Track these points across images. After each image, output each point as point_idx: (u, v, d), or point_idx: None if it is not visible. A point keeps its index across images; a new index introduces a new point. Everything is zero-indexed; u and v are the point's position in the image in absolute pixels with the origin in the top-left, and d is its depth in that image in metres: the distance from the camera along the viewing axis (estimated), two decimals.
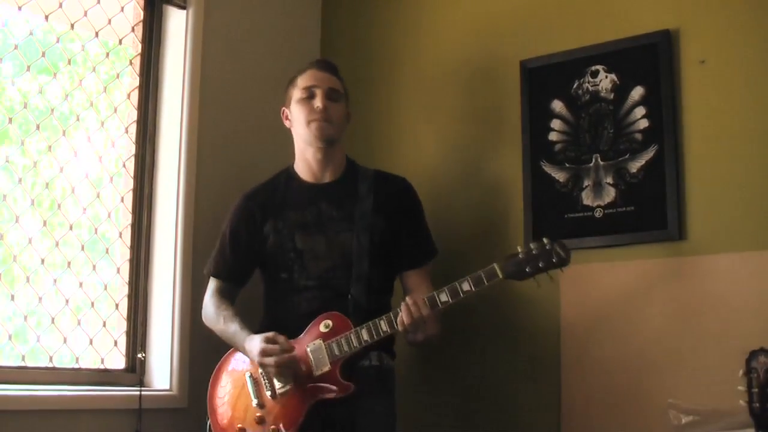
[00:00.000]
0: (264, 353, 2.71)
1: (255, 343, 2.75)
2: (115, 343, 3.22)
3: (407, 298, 2.69)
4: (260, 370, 2.79)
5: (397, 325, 2.68)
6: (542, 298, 3.13)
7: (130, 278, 3.28)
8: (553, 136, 3.25)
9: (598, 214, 3.12)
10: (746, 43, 2.93)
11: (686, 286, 2.92)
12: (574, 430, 3.04)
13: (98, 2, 3.24)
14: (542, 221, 3.23)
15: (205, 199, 3.35)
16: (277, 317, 2.91)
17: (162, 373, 3.21)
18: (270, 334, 2.74)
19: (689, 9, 3.05)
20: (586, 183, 3.16)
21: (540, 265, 2.69)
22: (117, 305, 3.24)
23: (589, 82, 3.20)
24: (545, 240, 2.71)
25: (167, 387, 3.19)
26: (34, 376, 2.92)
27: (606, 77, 3.17)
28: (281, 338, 2.73)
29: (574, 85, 3.23)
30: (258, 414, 2.76)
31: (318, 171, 2.98)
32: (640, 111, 3.09)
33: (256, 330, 2.85)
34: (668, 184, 2.99)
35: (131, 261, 3.29)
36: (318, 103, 2.91)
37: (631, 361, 2.97)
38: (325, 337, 2.76)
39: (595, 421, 2.99)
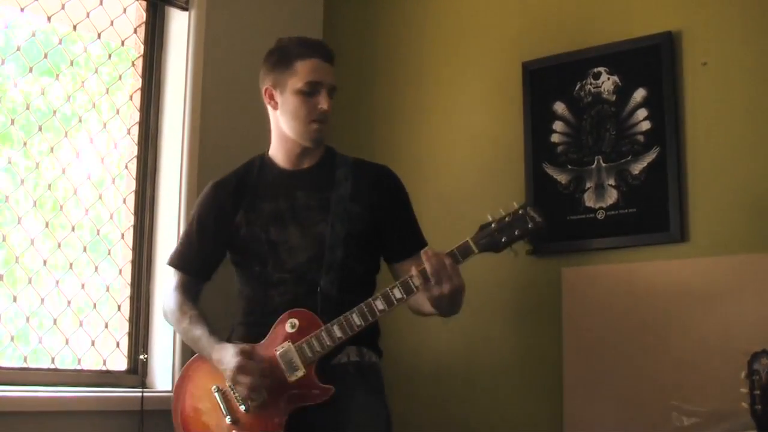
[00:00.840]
0: (241, 370, 2.46)
1: (228, 355, 2.51)
2: (117, 344, 3.22)
3: (423, 250, 2.45)
4: (228, 383, 2.54)
5: (414, 286, 2.44)
6: (544, 299, 3.13)
7: (132, 280, 3.28)
8: (555, 138, 3.25)
9: (600, 215, 3.12)
10: (748, 45, 2.93)
11: (688, 287, 2.92)
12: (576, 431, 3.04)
13: (101, 4, 3.24)
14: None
15: None
16: (252, 314, 2.71)
17: (164, 374, 3.21)
18: (246, 347, 2.52)
19: (691, 11, 3.05)
20: (588, 185, 3.16)
21: (516, 233, 2.46)
22: (119, 307, 3.24)
23: (591, 84, 3.20)
24: (516, 204, 2.50)
25: (169, 388, 3.17)
26: (36, 378, 2.92)
27: (608, 79, 3.17)
28: (258, 356, 2.52)
29: (576, 87, 3.23)
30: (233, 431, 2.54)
31: (297, 159, 2.76)
32: (642, 113, 3.09)
33: (229, 331, 2.72)
34: (670, 186, 2.99)
35: (133, 262, 3.29)
36: (323, 104, 2.67)
37: (634, 363, 2.97)
38: (293, 338, 2.53)
39: (598, 423, 2.99)
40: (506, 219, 2.48)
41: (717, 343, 2.80)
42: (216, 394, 2.57)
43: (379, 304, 2.49)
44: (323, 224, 2.66)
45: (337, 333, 2.50)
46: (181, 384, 2.70)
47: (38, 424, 2.77)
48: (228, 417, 2.54)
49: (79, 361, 3.10)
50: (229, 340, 2.65)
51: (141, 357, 3.22)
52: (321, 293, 2.60)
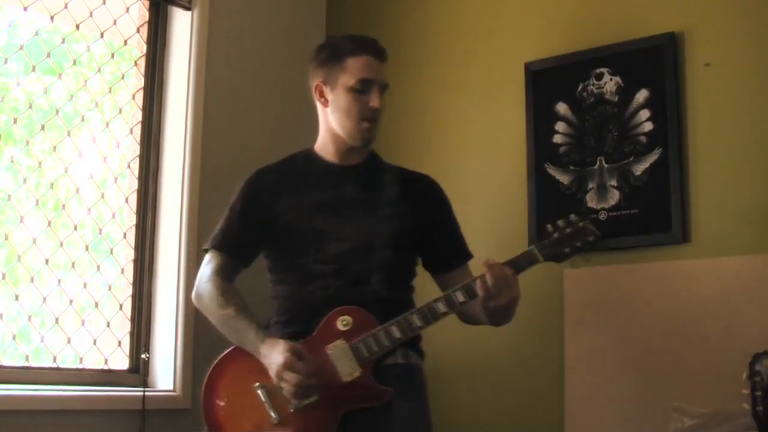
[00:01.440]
0: (286, 367, 2.34)
1: (277, 350, 2.37)
2: (119, 343, 3.22)
3: (485, 261, 2.39)
4: (275, 380, 2.39)
5: (477, 290, 2.38)
6: (546, 300, 3.13)
7: (134, 279, 3.29)
8: (557, 139, 3.26)
9: (602, 216, 3.12)
10: (751, 46, 2.93)
11: (690, 289, 2.92)
12: None
13: (104, 3, 3.25)
14: (546, 223, 3.21)
15: (209, 200, 3.35)
16: (288, 312, 2.58)
17: (165, 373, 3.22)
18: (297, 345, 2.38)
19: (694, 12, 3.05)
20: (590, 185, 3.16)
21: (578, 245, 2.49)
22: (121, 306, 3.24)
23: (593, 85, 3.20)
24: (573, 217, 2.52)
25: (171, 388, 3.19)
26: (38, 376, 2.93)
27: (610, 80, 3.17)
28: (309, 357, 2.37)
29: (579, 88, 3.23)
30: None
31: (344, 156, 2.66)
32: (644, 114, 3.09)
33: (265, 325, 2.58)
34: (672, 187, 2.99)
35: (135, 261, 3.30)
36: (375, 102, 2.57)
37: (635, 364, 2.97)
38: (347, 336, 2.42)
39: (599, 424, 2.99)
40: (567, 230, 2.50)
41: (719, 344, 2.80)
42: (259, 391, 2.42)
43: (441, 307, 2.43)
44: (370, 219, 2.58)
45: (396, 334, 2.42)
46: (213, 379, 2.53)
47: (40, 423, 2.77)
48: (275, 416, 2.39)
49: (81, 360, 3.11)
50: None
51: (143, 356, 3.22)
52: (371, 292, 2.51)
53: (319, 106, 2.71)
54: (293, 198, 2.62)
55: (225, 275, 2.62)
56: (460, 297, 2.43)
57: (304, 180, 2.66)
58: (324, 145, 2.70)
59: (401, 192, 2.65)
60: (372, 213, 2.60)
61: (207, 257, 2.67)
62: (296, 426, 2.39)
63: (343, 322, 2.44)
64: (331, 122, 2.66)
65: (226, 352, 2.55)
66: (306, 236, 2.57)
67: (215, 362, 2.55)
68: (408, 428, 2.47)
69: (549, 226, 2.51)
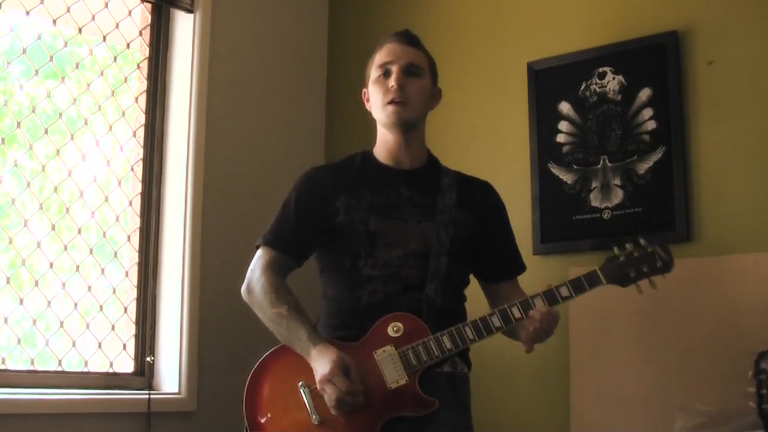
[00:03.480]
0: (331, 377, 2.29)
1: (326, 358, 2.32)
2: (124, 346, 3.22)
3: (532, 312, 2.39)
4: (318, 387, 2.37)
5: (485, 332, 2.41)
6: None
7: (138, 282, 3.29)
8: (560, 138, 3.25)
9: (606, 215, 3.12)
10: (754, 44, 2.93)
11: (694, 287, 2.91)
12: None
13: (106, 6, 3.25)
14: (550, 223, 3.23)
15: (212, 203, 3.35)
16: (337, 316, 2.54)
17: (171, 376, 3.22)
18: (347, 359, 2.32)
19: (697, 10, 3.04)
20: (594, 184, 3.16)
21: (644, 270, 2.47)
22: (125, 309, 3.25)
23: (596, 84, 3.20)
24: (642, 241, 2.49)
25: (176, 390, 3.19)
26: (43, 380, 2.93)
27: (613, 78, 3.17)
28: (355, 372, 2.32)
29: (582, 87, 3.22)
30: None
31: (399, 155, 2.62)
32: (647, 112, 3.08)
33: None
34: (676, 186, 2.98)
35: (139, 264, 3.30)
36: (393, 81, 2.54)
37: (640, 363, 2.97)
38: (396, 342, 2.38)
39: (605, 423, 2.98)
40: (634, 254, 2.48)
41: (724, 342, 2.80)
42: (302, 390, 2.38)
43: (496, 321, 2.42)
44: (428, 224, 2.54)
45: (447, 344, 2.38)
46: (260, 372, 2.47)
47: (45, 426, 2.78)
48: (315, 416, 2.35)
49: (86, 363, 3.11)
50: None
51: (147, 359, 3.22)
52: (424, 300, 2.47)
53: (369, 111, 2.69)
54: (350, 197, 2.57)
55: (278, 271, 2.55)
56: (515, 313, 2.42)
57: (361, 179, 2.61)
58: (378, 147, 2.67)
59: (459, 198, 2.61)
60: (428, 218, 2.56)
61: (259, 253, 2.59)
62: (336, 429, 2.35)
63: (394, 328, 2.41)
64: (377, 121, 2.66)
65: (273, 348, 2.50)
66: (359, 237, 2.52)
67: (262, 358, 2.49)
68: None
69: (615, 248, 2.49)
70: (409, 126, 2.59)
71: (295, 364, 2.41)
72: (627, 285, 2.49)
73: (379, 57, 2.61)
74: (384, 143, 2.65)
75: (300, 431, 2.36)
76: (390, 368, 2.36)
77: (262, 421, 2.42)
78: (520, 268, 2.72)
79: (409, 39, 2.63)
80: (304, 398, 2.37)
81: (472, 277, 2.71)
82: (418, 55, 2.62)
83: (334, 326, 2.53)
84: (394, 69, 2.56)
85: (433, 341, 2.38)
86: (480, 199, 2.67)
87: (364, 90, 2.69)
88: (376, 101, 2.60)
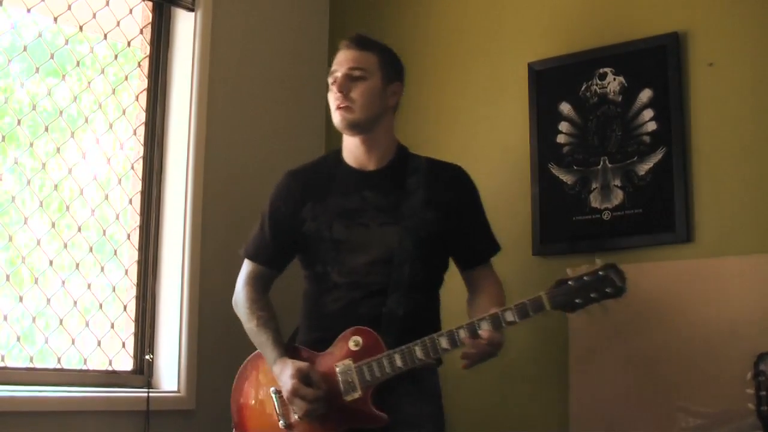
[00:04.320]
0: (295, 393, 2.46)
1: (286, 374, 2.49)
2: (123, 344, 3.22)
3: (463, 353, 2.44)
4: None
5: (432, 354, 2.46)
6: None
7: (138, 280, 3.29)
8: (561, 139, 3.25)
9: (606, 216, 3.12)
10: (755, 46, 2.93)
11: (694, 288, 2.91)
12: None
13: (107, 4, 3.25)
14: (550, 224, 3.23)
15: (213, 201, 3.35)
16: (311, 317, 2.69)
17: (170, 374, 3.22)
18: (303, 367, 2.49)
19: (698, 11, 3.05)
20: (594, 185, 3.16)
21: (592, 295, 2.40)
22: (125, 307, 3.25)
23: (597, 85, 3.20)
24: (598, 262, 2.44)
25: (175, 389, 3.19)
26: (42, 378, 2.93)
27: (614, 79, 3.17)
28: (314, 375, 2.48)
29: (582, 88, 3.22)
30: None
31: (361, 157, 2.70)
32: (648, 113, 3.08)
33: (295, 328, 2.73)
34: (676, 187, 2.98)
35: (139, 263, 3.30)
36: (335, 89, 2.65)
37: (639, 364, 2.97)
38: (355, 357, 2.49)
39: (604, 424, 2.99)
40: (585, 278, 2.42)
41: (723, 343, 2.80)
42: (273, 396, 2.58)
43: (443, 342, 2.46)
44: (391, 227, 2.61)
45: (398, 363, 2.46)
46: (244, 374, 2.71)
47: (44, 424, 2.77)
48: (282, 421, 2.55)
49: (85, 361, 3.11)
50: (293, 339, 2.71)
51: (147, 357, 3.22)
52: (386, 312, 2.55)
53: None
54: (316, 203, 2.68)
55: (257, 284, 2.75)
56: (462, 335, 2.45)
57: (329, 184, 2.71)
58: (344, 150, 2.76)
59: (426, 195, 2.66)
60: (391, 221, 2.62)
61: (244, 263, 2.79)
62: (300, 431, 2.52)
63: (354, 342, 2.51)
64: None
65: (256, 352, 2.70)
66: (326, 244, 2.63)
67: (247, 360, 2.72)
68: (412, 428, 2.53)
69: (569, 270, 2.46)
70: (360, 128, 2.66)
71: (269, 370, 2.62)
72: (573, 311, 2.43)
73: (332, 66, 2.71)
74: (346, 147, 2.74)
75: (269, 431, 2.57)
76: (346, 381, 2.49)
77: (242, 422, 2.66)
78: (493, 249, 2.78)
79: (356, 43, 2.70)
80: (275, 403, 2.56)
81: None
82: (364, 57, 2.68)
83: (308, 327, 2.69)
84: (337, 76, 2.66)
85: (386, 358, 2.47)
86: (448, 189, 2.72)
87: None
88: (330, 109, 2.70)
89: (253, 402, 2.65)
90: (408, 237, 2.59)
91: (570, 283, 2.42)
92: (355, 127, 2.66)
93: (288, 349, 2.60)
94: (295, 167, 2.80)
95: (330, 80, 2.68)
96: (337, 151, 2.77)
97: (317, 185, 2.71)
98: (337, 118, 2.66)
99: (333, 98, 2.67)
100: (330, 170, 2.74)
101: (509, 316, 2.42)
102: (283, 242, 2.73)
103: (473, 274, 2.74)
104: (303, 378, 2.46)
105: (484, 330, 2.41)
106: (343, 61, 2.67)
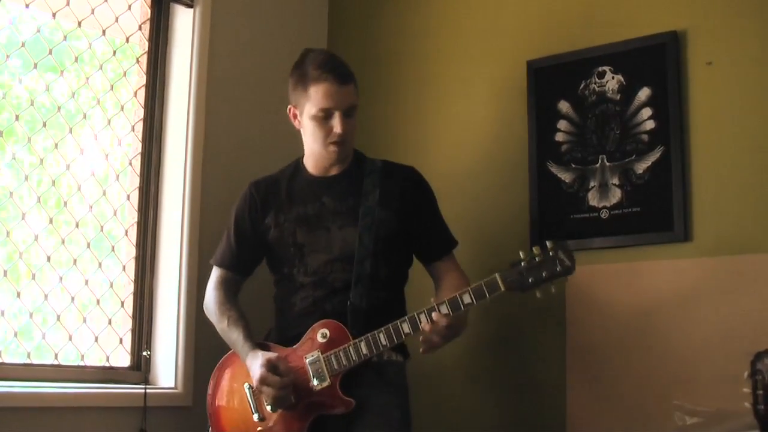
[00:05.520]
0: (263, 381, 2.60)
1: (256, 364, 2.64)
2: (121, 340, 3.22)
3: (435, 319, 2.55)
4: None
5: (395, 339, 2.60)
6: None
7: (135, 276, 3.29)
8: (559, 137, 3.25)
9: (604, 215, 3.12)
10: (753, 45, 2.93)
11: (692, 287, 2.92)
12: (579, 431, 3.04)
13: (105, 0, 3.24)
14: (548, 222, 3.23)
15: (211, 198, 3.35)
16: (281, 317, 2.85)
17: (167, 370, 3.22)
18: (272, 357, 2.64)
19: (697, 10, 3.04)
20: (592, 184, 3.16)
21: (543, 275, 2.55)
22: (122, 303, 3.25)
23: (595, 83, 3.20)
24: (549, 244, 2.57)
25: (172, 385, 3.19)
26: (39, 374, 2.93)
27: (612, 78, 3.17)
28: (283, 365, 2.63)
29: (581, 86, 3.22)
30: (259, 428, 2.67)
31: (324, 169, 2.85)
32: (646, 112, 3.08)
33: (268, 329, 2.87)
34: (674, 186, 2.98)
35: (137, 259, 3.30)
36: (338, 128, 2.73)
37: (637, 363, 2.97)
38: (323, 348, 2.64)
39: (601, 423, 2.99)
40: (536, 259, 2.56)
41: (720, 342, 2.80)
42: (247, 391, 2.71)
43: (405, 328, 2.60)
44: (349, 229, 2.75)
45: (363, 350, 2.60)
46: (218, 374, 2.83)
47: (41, 420, 2.77)
48: (256, 414, 2.68)
49: (83, 357, 3.11)
50: (267, 338, 2.82)
51: (144, 353, 3.22)
52: (351, 305, 2.68)
53: (295, 126, 2.88)
54: (278, 212, 2.83)
55: (225, 288, 2.91)
56: (422, 320, 2.58)
57: (289, 195, 2.85)
58: (307, 159, 2.89)
59: (382, 196, 2.78)
60: (350, 223, 2.76)
61: (213, 270, 2.96)
62: (272, 424, 2.67)
63: (321, 334, 2.66)
64: (307, 141, 2.85)
65: (230, 352, 2.84)
66: (290, 250, 2.79)
67: (220, 361, 2.85)
68: (379, 418, 2.65)
69: (522, 253, 2.59)
70: (346, 158, 2.84)
71: (243, 366, 2.74)
72: (526, 291, 2.58)
73: (317, 98, 2.72)
74: (313, 159, 2.85)
75: (245, 425, 2.70)
76: (316, 371, 2.63)
77: (219, 417, 2.78)
78: (450, 244, 2.89)
79: (345, 77, 2.76)
80: (248, 397, 2.70)
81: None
82: (352, 91, 2.77)
83: (278, 329, 2.84)
84: (337, 114, 2.73)
85: (352, 347, 2.61)
86: (403, 190, 2.84)
87: (291, 108, 2.84)
88: (316, 137, 2.77)
89: (227, 400, 2.78)
90: (367, 235, 2.73)
91: (522, 264, 2.56)
92: (345, 159, 2.83)
93: (259, 346, 2.74)
94: (257, 178, 2.93)
95: (319, 114, 2.73)
96: (296, 162, 2.93)
97: (277, 195, 2.86)
98: (331, 151, 2.77)
99: (327, 133, 2.75)
100: (290, 180, 2.89)
101: (467, 298, 2.57)
102: (247, 248, 2.89)
103: (436, 267, 2.87)
104: (271, 367, 2.60)
105: (443, 313, 2.55)
106: (339, 100, 2.73)
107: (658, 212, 3.01)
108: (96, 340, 3.15)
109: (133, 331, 3.26)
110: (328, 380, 2.62)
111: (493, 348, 3.29)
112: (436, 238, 2.88)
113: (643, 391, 2.93)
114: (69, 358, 3.08)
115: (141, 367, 3.23)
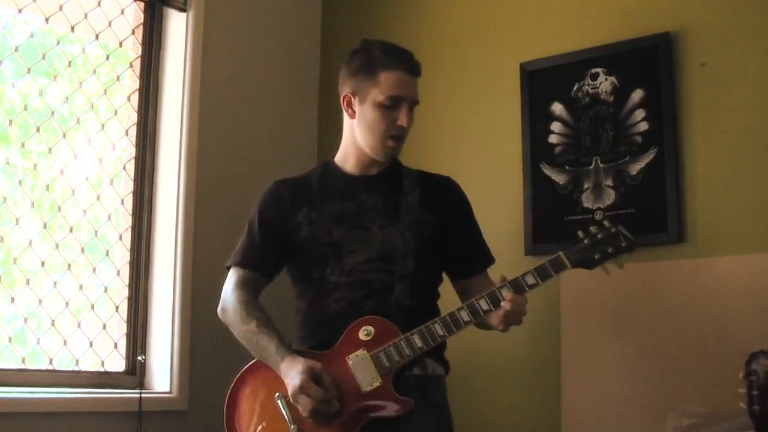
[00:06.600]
0: (303, 389, 2.31)
1: (296, 369, 2.35)
2: (115, 345, 3.22)
3: (503, 304, 2.38)
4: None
5: (502, 297, 2.39)
6: (542, 300, 3.13)
7: (130, 280, 3.28)
8: (553, 139, 3.26)
9: (598, 216, 3.12)
10: (746, 46, 2.94)
11: (686, 288, 2.92)
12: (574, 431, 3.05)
13: (99, 5, 3.25)
14: (542, 223, 3.23)
15: (205, 202, 3.35)
16: (307, 326, 2.57)
17: (162, 375, 3.21)
18: (316, 366, 2.35)
19: (690, 11, 3.05)
20: (586, 185, 3.16)
21: (609, 250, 2.48)
22: (117, 307, 3.24)
23: (589, 85, 3.20)
24: (606, 223, 2.52)
25: (167, 389, 3.18)
26: (34, 379, 2.92)
27: (606, 80, 3.17)
28: (327, 379, 2.34)
29: (574, 88, 3.23)
30: None
31: (365, 168, 2.63)
32: (640, 113, 3.09)
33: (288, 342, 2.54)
34: (668, 187, 2.99)
35: (131, 263, 3.30)
36: (403, 120, 2.54)
37: (632, 364, 2.97)
38: (368, 346, 2.39)
39: (596, 424, 2.99)
40: (599, 236, 2.50)
41: (715, 343, 2.81)
42: (279, 402, 2.38)
43: (464, 315, 2.41)
44: (390, 228, 2.55)
45: (418, 343, 2.38)
46: (237, 389, 2.49)
47: (36, 425, 2.77)
48: (293, 426, 2.35)
49: (77, 362, 3.10)
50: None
51: (139, 358, 3.22)
52: (395, 302, 2.48)
53: (345, 116, 2.65)
54: (312, 211, 2.60)
55: (248, 289, 2.58)
56: (483, 305, 2.41)
57: (323, 192, 2.63)
58: (345, 157, 2.67)
59: (422, 198, 2.62)
60: (392, 222, 2.57)
61: (230, 273, 2.64)
62: None
63: (365, 332, 2.42)
64: (356, 135, 2.62)
65: (250, 363, 2.52)
66: (323, 250, 2.55)
67: (239, 373, 2.52)
68: None
69: (580, 232, 2.51)
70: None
71: (271, 376, 2.44)
72: (593, 267, 2.50)
73: (388, 84, 2.54)
74: (354, 156, 2.64)
75: None
76: (363, 372, 2.38)
77: None
78: (489, 260, 2.72)
79: (418, 70, 2.59)
80: (281, 409, 2.37)
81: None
82: (417, 86, 2.60)
83: (306, 336, 2.56)
84: (404, 105, 2.55)
85: (404, 341, 2.38)
86: (443, 196, 2.68)
87: (347, 95, 2.62)
88: (376, 127, 2.56)
89: (256, 412, 2.44)
90: (410, 233, 2.55)
91: (586, 241, 2.49)
92: (392, 159, 2.67)
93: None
94: (282, 178, 2.72)
95: (387, 102, 2.53)
96: (326, 163, 2.72)
97: (309, 192, 2.64)
98: (388, 146, 2.58)
99: (389, 124, 2.56)
100: (321, 178, 2.68)
101: (530, 279, 2.44)
102: (274, 249, 2.62)
103: (470, 283, 2.67)
104: (314, 376, 2.33)
105: (507, 295, 2.40)
106: (410, 91, 2.57)
107: (652, 213, 3.01)
108: (91, 344, 3.14)
109: (128, 335, 3.26)
110: (379, 380, 2.36)
111: (488, 349, 3.29)
112: (477, 252, 2.71)
113: (638, 393, 2.93)
114: (64, 363, 3.07)
115: (136, 371, 3.22)
